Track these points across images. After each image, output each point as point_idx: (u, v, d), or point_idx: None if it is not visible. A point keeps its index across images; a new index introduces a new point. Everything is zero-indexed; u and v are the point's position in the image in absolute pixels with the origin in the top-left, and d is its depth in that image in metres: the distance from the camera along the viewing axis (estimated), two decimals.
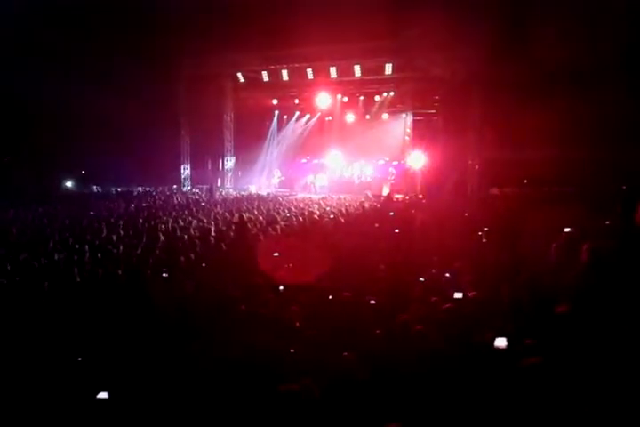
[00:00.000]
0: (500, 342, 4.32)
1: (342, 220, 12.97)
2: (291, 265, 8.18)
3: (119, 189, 21.82)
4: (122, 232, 11.05)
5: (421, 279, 7.18)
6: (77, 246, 9.28)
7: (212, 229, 11.30)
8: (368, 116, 23.67)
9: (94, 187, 22.41)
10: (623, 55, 14.26)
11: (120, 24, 18.11)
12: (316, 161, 25.25)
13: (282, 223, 12.19)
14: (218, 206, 16.15)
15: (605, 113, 14.62)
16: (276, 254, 9.04)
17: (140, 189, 22.16)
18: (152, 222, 12.38)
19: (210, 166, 24.94)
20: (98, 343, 5.14)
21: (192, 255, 8.84)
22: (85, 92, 18.64)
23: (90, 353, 4.94)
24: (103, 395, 4.13)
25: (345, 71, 20.18)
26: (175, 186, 23.36)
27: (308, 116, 25.04)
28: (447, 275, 7.28)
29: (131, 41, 18.61)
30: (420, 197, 19.45)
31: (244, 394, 3.84)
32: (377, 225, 12.25)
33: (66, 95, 18.48)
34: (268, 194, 21.56)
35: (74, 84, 18.50)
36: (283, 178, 25.07)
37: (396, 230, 11.20)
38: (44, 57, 18.25)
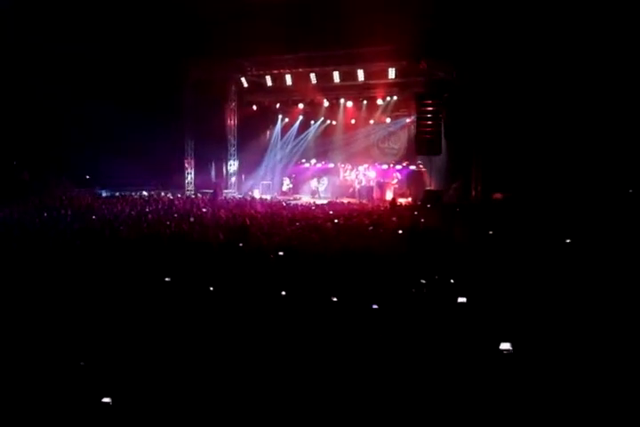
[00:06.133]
0: (505, 346, 4.32)
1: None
2: None
3: (123, 193, 21.82)
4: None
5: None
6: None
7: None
8: (372, 121, 23.66)
9: (99, 191, 22.42)
10: None
11: (124, 28, 18.20)
12: (319, 165, 25.22)
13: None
14: (222, 210, 16.12)
15: None
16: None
17: (144, 193, 22.15)
18: (155, 228, 12.37)
19: (213, 170, 24.95)
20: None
21: None
22: (90, 95, 18.71)
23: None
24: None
25: (348, 76, 20.20)
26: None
27: (311, 120, 25.06)
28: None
29: (135, 45, 18.71)
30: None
31: None
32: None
33: (69, 99, 18.54)
34: (272, 198, 21.54)
35: (78, 87, 18.59)
36: (291, 186, 24.93)
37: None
38: (48, 61, 18.36)
